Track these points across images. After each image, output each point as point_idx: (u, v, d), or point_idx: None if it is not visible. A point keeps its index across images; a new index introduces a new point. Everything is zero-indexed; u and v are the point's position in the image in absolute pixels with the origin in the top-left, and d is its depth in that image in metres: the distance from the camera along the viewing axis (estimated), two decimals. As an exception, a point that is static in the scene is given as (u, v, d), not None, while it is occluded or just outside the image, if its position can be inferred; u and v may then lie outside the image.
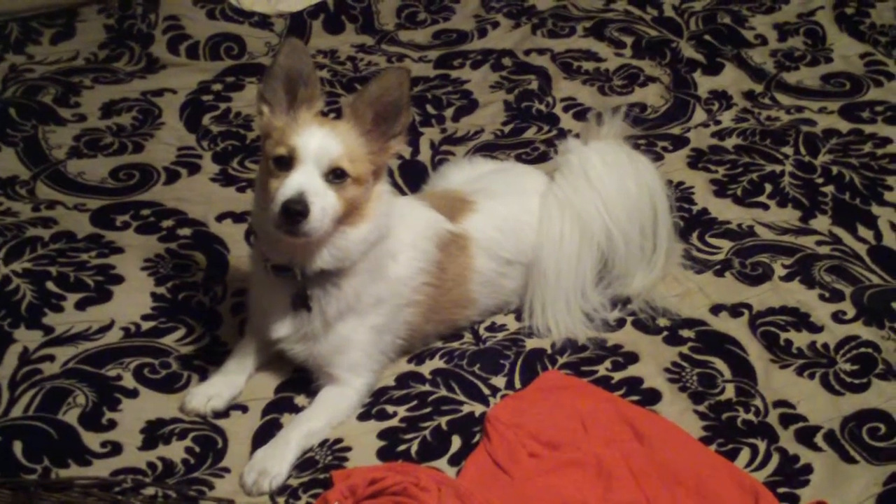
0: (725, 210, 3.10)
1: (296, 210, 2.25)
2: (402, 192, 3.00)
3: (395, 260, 2.50)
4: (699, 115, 3.55)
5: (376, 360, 2.53)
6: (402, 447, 2.38)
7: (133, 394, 2.48)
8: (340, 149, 2.31)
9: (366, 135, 2.37)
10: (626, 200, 2.73)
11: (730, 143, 3.40)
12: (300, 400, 2.50)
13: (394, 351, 2.58)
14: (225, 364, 2.53)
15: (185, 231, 2.97)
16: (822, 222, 3.05)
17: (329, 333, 2.45)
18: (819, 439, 2.39)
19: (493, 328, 2.70)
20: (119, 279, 2.80)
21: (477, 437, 2.39)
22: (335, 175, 2.31)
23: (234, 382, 2.50)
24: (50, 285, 2.75)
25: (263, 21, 3.92)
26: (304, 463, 2.34)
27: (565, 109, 3.58)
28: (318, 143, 2.30)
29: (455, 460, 2.35)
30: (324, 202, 2.29)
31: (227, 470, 2.31)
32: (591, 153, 2.75)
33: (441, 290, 2.59)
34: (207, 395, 2.46)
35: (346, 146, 2.32)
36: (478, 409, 2.47)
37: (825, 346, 2.64)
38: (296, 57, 2.36)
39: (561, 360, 2.60)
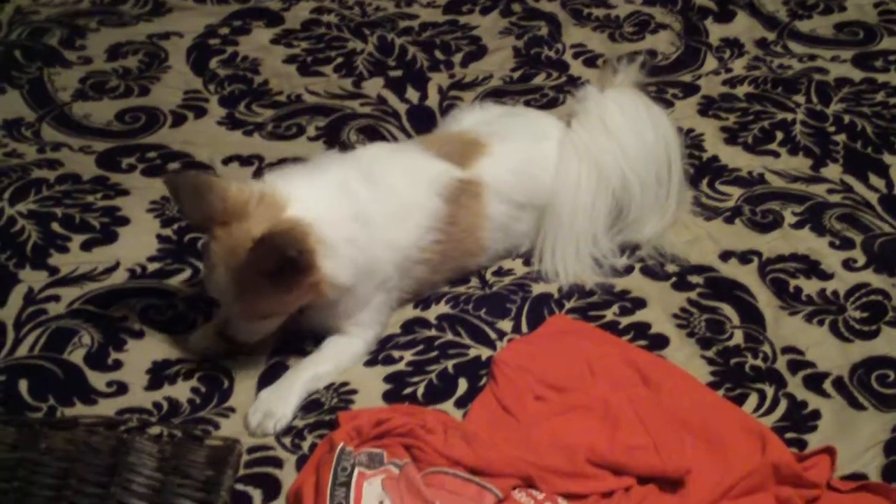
0: (736, 157, 3.07)
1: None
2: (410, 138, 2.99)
3: (393, 242, 2.46)
4: (710, 63, 3.52)
5: (385, 314, 2.53)
6: (409, 390, 2.37)
7: (139, 334, 2.47)
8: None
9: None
10: (643, 148, 2.70)
11: (741, 90, 3.37)
12: (307, 343, 2.49)
13: (399, 303, 2.57)
14: None
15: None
16: (833, 170, 3.02)
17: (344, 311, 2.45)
18: (828, 386, 2.38)
19: (499, 273, 2.69)
20: (125, 221, 2.78)
21: (483, 381, 2.38)
22: None
23: None
24: (55, 226, 2.74)
25: (271, -36, 3.89)
26: (310, 405, 2.33)
27: (575, 56, 3.55)
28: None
29: (461, 403, 2.34)
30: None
31: (232, 410, 2.31)
32: (608, 101, 2.72)
33: (452, 242, 2.56)
34: (211, 333, 2.45)
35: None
36: (484, 352, 2.45)
37: (835, 293, 2.62)
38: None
39: (568, 305, 2.59)
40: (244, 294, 2.29)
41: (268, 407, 2.28)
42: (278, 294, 2.30)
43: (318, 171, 2.48)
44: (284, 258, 2.20)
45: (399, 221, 2.48)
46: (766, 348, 2.47)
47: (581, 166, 2.67)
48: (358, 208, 2.40)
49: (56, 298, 2.55)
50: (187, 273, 2.63)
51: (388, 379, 2.40)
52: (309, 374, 2.37)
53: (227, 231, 2.26)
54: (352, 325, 2.46)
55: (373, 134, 3.13)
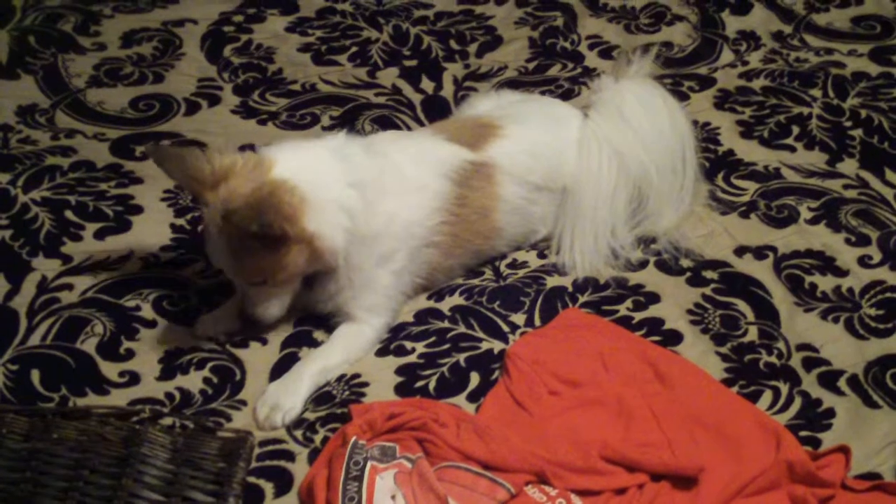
0: (752, 151, 3.05)
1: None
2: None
3: (394, 214, 2.45)
4: (727, 56, 3.50)
5: (395, 300, 2.51)
6: (421, 383, 2.36)
7: (151, 324, 2.47)
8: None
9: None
10: (659, 137, 2.70)
11: (757, 84, 3.35)
12: (319, 334, 2.49)
13: (413, 289, 2.56)
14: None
15: (205, 162, 2.94)
16: (849, 166, 3.01)
17: (348, 285, 2.44)
18: (842, 384, 2.36)
19: (513, 265, 2.68)
20: (138, 209, 2.78)
21: (496, 374, 2.37)
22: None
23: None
24: (69, 214, 2.74)
25: (286, -49, 3.87)
26: (322, 397, 2.32)
27: (590, 47, 3.53)
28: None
29: (474, 397, 2.33)
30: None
31: (244, 402, 2.30)
32: (624, 91, 2.72)
33: (463, 225, 2.55)
34: (215, 317, 2.47)
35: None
36: (497, 346, 2.45)
37: (850, 290, 2.60)
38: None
39: (582, 299, 2.58)
40: (240, 257, 2.30)
41: (275, 400, 2.28)
42: (271, 253, 2.28)
43: (312, 140, 2.50)
44: (263, 222, 2.20)
45: (401, 196, 2.46)
46: (781, 345, 2.45)
47: (602, 155, 2.66)
48: (355, 177, 2.38)
49: (69, 287, 2.55)
50: (201, 264, 2.63)
51: (399, 371, 2.39)
52: (318, 367, 2.36)
53: (215, 194, 2.26)
54: (361, 309, 2.46)
55: (387, 124, 3.12)
